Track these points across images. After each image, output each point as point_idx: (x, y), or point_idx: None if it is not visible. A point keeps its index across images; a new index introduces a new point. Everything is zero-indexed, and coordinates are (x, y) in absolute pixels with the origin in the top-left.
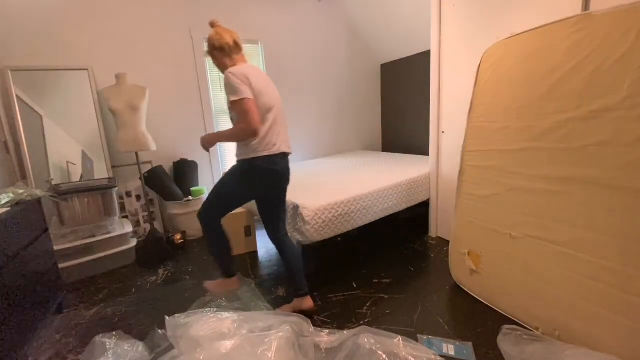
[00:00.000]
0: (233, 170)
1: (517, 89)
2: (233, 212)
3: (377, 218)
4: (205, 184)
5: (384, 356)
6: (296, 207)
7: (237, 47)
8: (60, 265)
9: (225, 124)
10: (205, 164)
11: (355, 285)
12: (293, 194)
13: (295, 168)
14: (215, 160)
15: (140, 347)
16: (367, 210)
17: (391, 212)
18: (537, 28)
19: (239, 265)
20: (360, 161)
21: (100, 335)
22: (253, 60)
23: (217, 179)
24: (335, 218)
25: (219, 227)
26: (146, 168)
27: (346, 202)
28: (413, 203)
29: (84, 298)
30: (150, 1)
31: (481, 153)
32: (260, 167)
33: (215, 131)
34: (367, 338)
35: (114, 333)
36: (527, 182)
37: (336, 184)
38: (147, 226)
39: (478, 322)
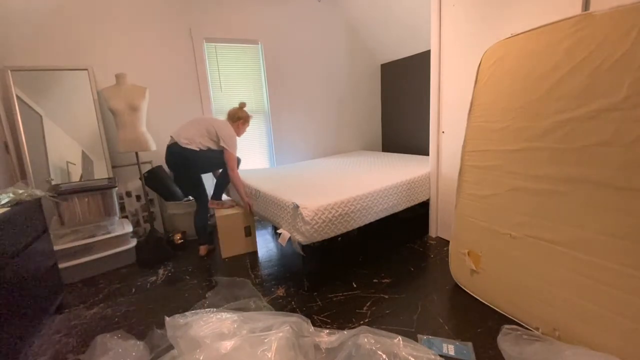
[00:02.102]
0: None
1: (517, 89)
2: (233, 212)
3: (377, 218)
4: (205, 184)
5: (384, 356)
6: (296, 207)
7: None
8: (60, 265)
9: None
10: None
11: (355, 285)
12: (293, 194)
13: (295, 168)
14: None
15: (140, 347)
16: (367, 211)
17: (391, 212)
18: (537, 28)
19: (239, 265)
20: (360, 161)
21: (101, 335)
22: (252, 60)
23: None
24: (335, 218)
25: None
26: (146, 168)
27: (346, 202)
28: (413, 203)
29: (84, 298)
30: (150, 1)
31: (481, 153)
32: None
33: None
34: (367, 338)
35: (115, 333)
36: (527, 182)
37: (336, 184)
38: (147, 226)
39: (478, 322)
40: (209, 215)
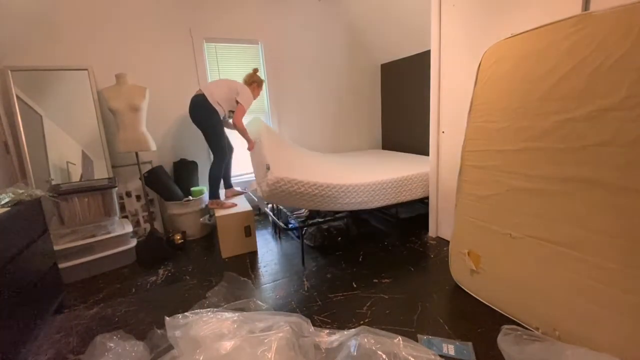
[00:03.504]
0: None
1: (517, 89)
2: (233, 212)
3: (345, 209)
4: (205, 183)
5: (384, 356)
6: (267, 169)
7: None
8: (60, 265)
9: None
10: (205, 164)
11: (355, 285)
12: (274, 159)
13: (298, 149)
14: None
15: (140, 347)
16: (331, 200)
17: (362, 207)
18: (537, 28)
19: (239, 265)
20: (358, 160)
21: (101, 335)
22: (253, 60)
23: None
24: (296, 193)
25: None
26: (146, 168)
27: (311, 184)
28: (389, 203)
29: (84, 298)
30: (150, 1)
31: (481, 153)
32: None
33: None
34: (367, 338)
35: (115, 333)
36: (527, 182)
37: (312, 168)
38: (147, 226)
39: (478, 322)
40: (221, 171)
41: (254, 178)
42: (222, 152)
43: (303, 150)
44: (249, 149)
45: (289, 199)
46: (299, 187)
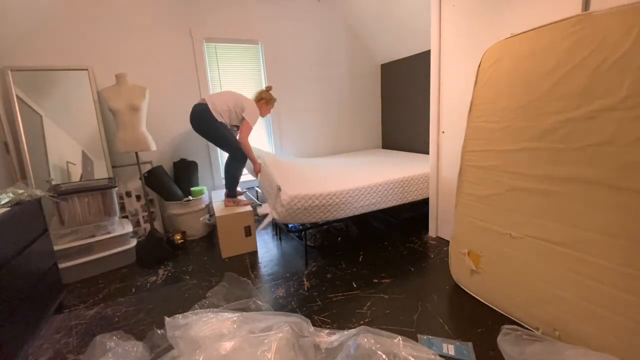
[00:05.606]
0: None
1: (517, 89)
2: (233, 212)
3: (357, 213)
4: (205, 184)
5: (384, 356)
6: (279, 189)
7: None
8: (60, 265)
9: None
10: (205, 164)
11: (355, 285)
12: (282, 177)
13: (297, 160)
14: (216, 160)
15: (140, 347)
16: (346, 205)
17: (372, 209)
18: (537, 28)
19: (239, 265)
20: (357, 160)
21: (101, 336)
22: (252, 60)
23: (217, 179)
24: (311, 207)
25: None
26: (146, 168)
27: (325, 195)
28: (398, 202)
29: (84, 298)
30: (150, 1)
31: (481, 153)
32: None
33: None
34: (367, 338)
35: (114, 333)
36: (527, 182)
37: (321, 178)
38: (147, 226)
39: (478, 322)
40: (240, 170)
41: (266, 198)
42: (236, 148)
43: (304, 160)
44: (256, 171)
45: (306, 214)
46: (313, 200)
